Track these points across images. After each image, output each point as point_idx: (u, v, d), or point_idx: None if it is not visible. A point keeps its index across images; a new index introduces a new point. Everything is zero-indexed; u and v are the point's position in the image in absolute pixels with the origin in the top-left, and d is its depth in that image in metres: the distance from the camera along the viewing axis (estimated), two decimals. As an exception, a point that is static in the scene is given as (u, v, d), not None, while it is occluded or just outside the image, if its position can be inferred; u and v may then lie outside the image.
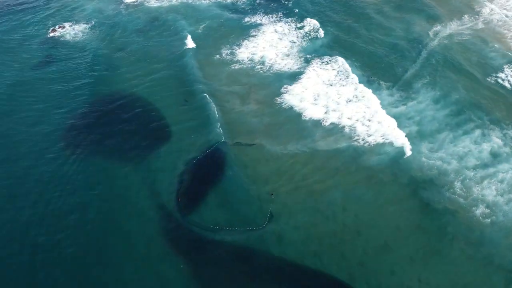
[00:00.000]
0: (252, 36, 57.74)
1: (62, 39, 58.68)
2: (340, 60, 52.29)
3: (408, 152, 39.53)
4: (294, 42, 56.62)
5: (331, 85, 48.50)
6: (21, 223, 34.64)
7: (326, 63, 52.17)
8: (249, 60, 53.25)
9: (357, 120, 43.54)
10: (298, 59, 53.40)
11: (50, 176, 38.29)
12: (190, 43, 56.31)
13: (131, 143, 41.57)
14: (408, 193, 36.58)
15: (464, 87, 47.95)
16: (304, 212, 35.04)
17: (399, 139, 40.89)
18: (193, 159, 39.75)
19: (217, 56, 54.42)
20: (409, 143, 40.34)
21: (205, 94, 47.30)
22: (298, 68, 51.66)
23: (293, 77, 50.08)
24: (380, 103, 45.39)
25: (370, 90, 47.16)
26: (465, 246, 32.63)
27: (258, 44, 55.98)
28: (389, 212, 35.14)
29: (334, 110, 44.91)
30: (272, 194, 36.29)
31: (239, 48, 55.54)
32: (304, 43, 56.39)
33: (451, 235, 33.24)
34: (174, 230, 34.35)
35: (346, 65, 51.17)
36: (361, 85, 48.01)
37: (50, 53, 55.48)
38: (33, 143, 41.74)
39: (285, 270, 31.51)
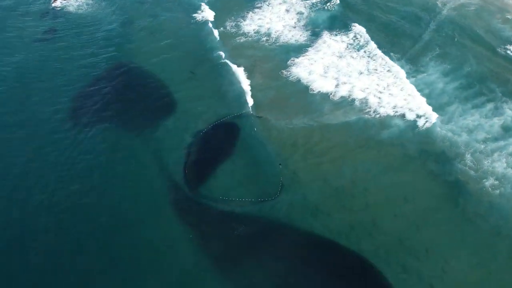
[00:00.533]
0: (258, 7, 56.42)
1: (65, 10, 57.44)
2: (357, 29, 51.30)
3: (434, 119, 39.64)
4: (303, 13, 55.31)
5: (341, 57, 47.63)
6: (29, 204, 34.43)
7: (335, 34, 51.17)
8: (255, 33, 52.14)
9: (370, 93, 42.95)
10: (306, 31, 52.24)
11: (57, 152, 38.11)
12: (198, 16, 55.30)
13: (139, 116, 41.44)
14: (419, 165, 36.62)
15: (474, 59, 47.26)
16: (313, 184, 35.16)
17: (422, 108, 40.86)
18: (200, 131, 39.72)
19: (221, 28, 53.32)
20: (434, 112, 40.46)
21: (226, 61, 47.39)
22: (306, 40, 50.64)
23: (301, 49, 49.18)
24: (396, 75, 44.91)
25: (391, 60, 46.65)
26: (474, 217, 32.95)
27: (264, 16, 54.72)
28: (398, 184, 35.30)
29: (345, 83, 44.26)
30: (280, 164, 36.39)
31: (244, 20, 54.33)
32: (313, 14, 55.10)
33: (461, 206, 33.55)
34: (183, 201, 34.55)
35: (366, 35, 50.24)
36: (380, 51, 47.65)
37: (54, 27, 54.40)
38: (39, 122, 41.25)
39: (295, 241, 31.86)
